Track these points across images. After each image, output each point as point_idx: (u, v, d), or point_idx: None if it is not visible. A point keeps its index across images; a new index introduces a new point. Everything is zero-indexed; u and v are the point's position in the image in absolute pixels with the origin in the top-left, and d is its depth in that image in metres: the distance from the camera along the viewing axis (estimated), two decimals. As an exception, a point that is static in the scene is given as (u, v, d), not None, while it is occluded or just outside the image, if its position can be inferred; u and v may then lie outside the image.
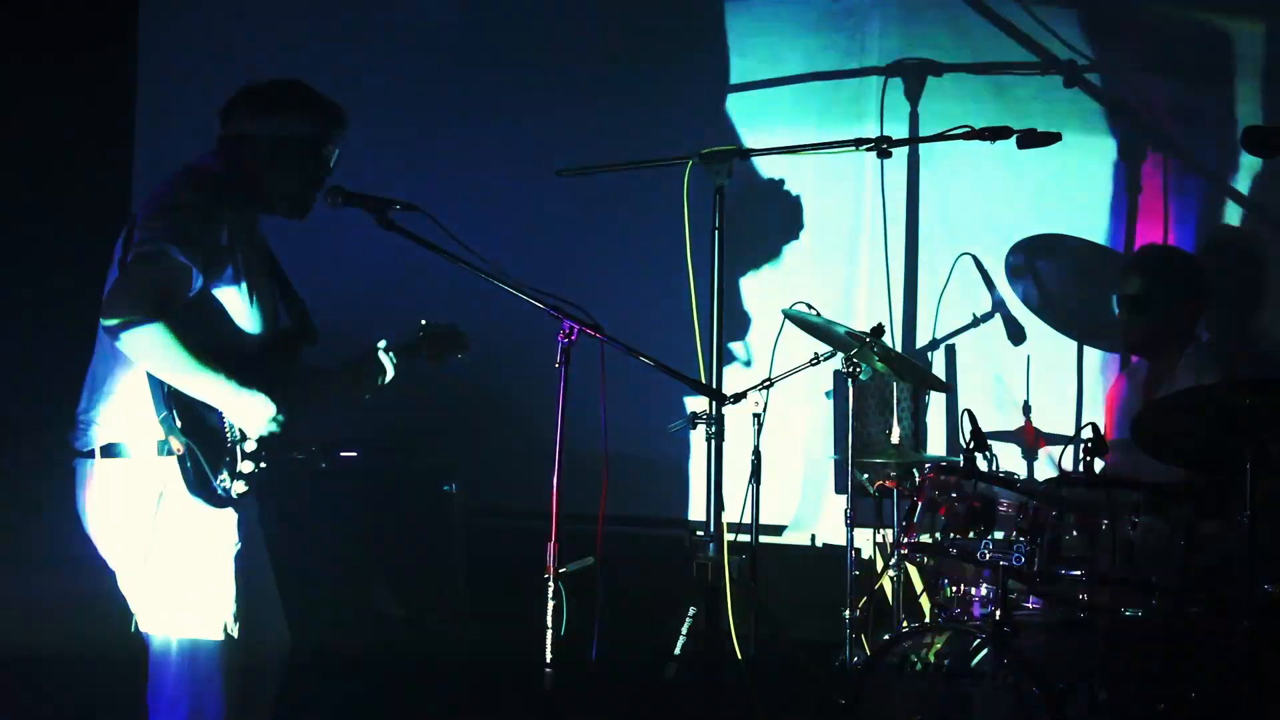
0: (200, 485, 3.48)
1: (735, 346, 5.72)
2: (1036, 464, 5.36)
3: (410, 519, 5.45)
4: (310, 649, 3.97)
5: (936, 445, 5.70)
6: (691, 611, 4.36)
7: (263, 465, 3.60)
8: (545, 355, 3.59)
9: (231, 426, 3.54)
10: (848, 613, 4.73)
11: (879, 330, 4.59)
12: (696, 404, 4.48)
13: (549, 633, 3.52)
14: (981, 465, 4.09)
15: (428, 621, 5.31)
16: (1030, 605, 4.20)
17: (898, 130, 5.63)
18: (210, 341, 3.48)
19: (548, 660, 3.53)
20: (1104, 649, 3.88)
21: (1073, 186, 5.58)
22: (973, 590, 4.26)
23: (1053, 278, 5.63)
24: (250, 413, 3.52)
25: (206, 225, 3.48)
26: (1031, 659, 3.81)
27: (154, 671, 3.57)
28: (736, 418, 4.57)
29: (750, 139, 5.87)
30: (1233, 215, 5.46)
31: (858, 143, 4.53)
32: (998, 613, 3.87)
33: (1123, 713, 3.86)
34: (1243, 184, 5.42)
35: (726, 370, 5.56)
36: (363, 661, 4.91)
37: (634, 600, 4.70)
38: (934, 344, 5.71)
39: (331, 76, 3.86)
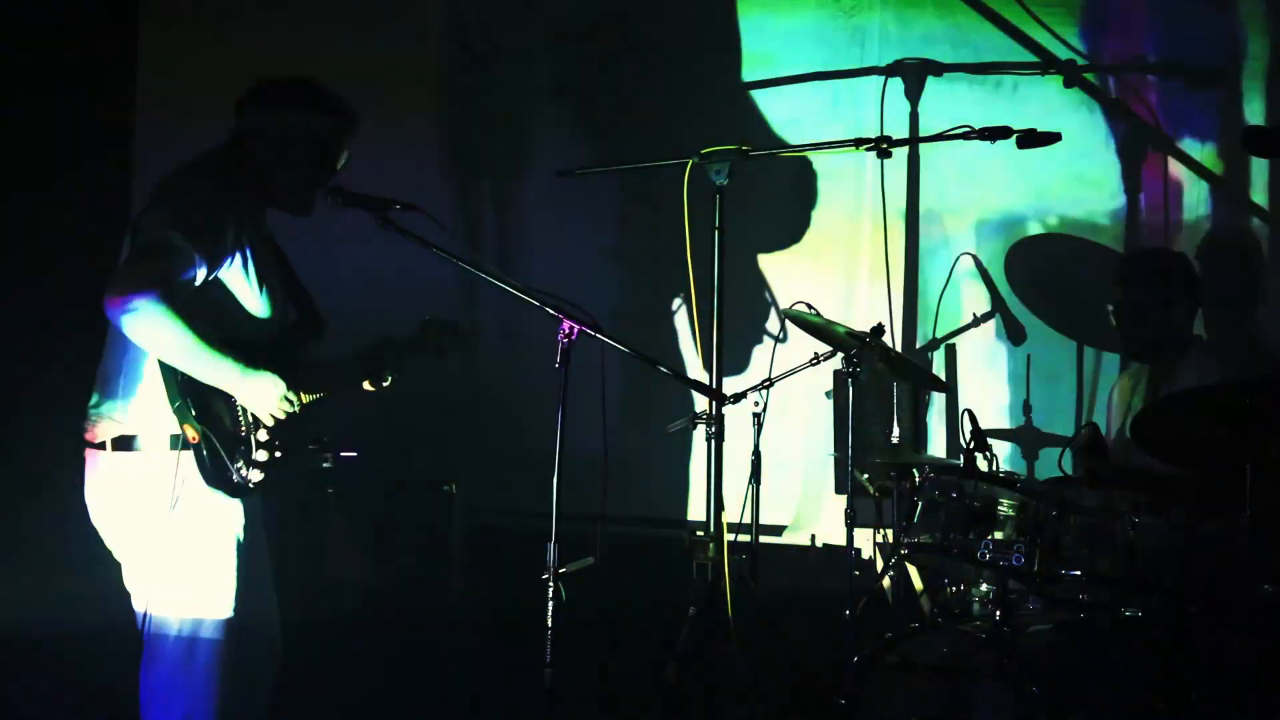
0: (218, 474, 3.49)
1: (770, 325, 5.68)
2: (1037, 464, 5.36)
3: (410, 519, 5.45)
4: (307, 650, 3.97)
5: (936, 445, 5.70)
6: (691, 611, 4.35)
7: (278, 454, 3.60)
8: (545, 355, 3.59)
9: (244, 414, 3.55)
10: (848, 613, 4.73)
11: (879, 330, 4.58)
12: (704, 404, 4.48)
13: (549, 632, 3.52)
14: (982, 465, 4.09)
15: (427, 621, 5.31)
16: (1030, 605, 4.21)
17: (898, 130, 5.63)
18: (220, 331, 3.49)
19: (548, 660, 3.53)
20: (1104, 649, 3.88)
21: (1073, 186, 5.58)
22: (973, 590, 4.26)
23: (1053, 278, 5.63)
24: (261, 393, 3.52)
25: (211, 214, 3.49)
26: (1031, 659, 3.81)
27: (150, 664, 3.57)
28: (736, 418, 4.57)
29: (750, 139, 5.85)
30: (1232, 216, 5.45)
31: (858, 143, 4.53)
32: (998, 613, 3.87)
33: (1123, 713, 3.86)
34: (1243, 184, 5.41)
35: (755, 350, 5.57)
36: (362, 662, 4.91)
37: (634, 600, 4.70)
38: (934, 344, 5.71)
39: (331, 76, 3.86)
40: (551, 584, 3.53)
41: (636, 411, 4.55)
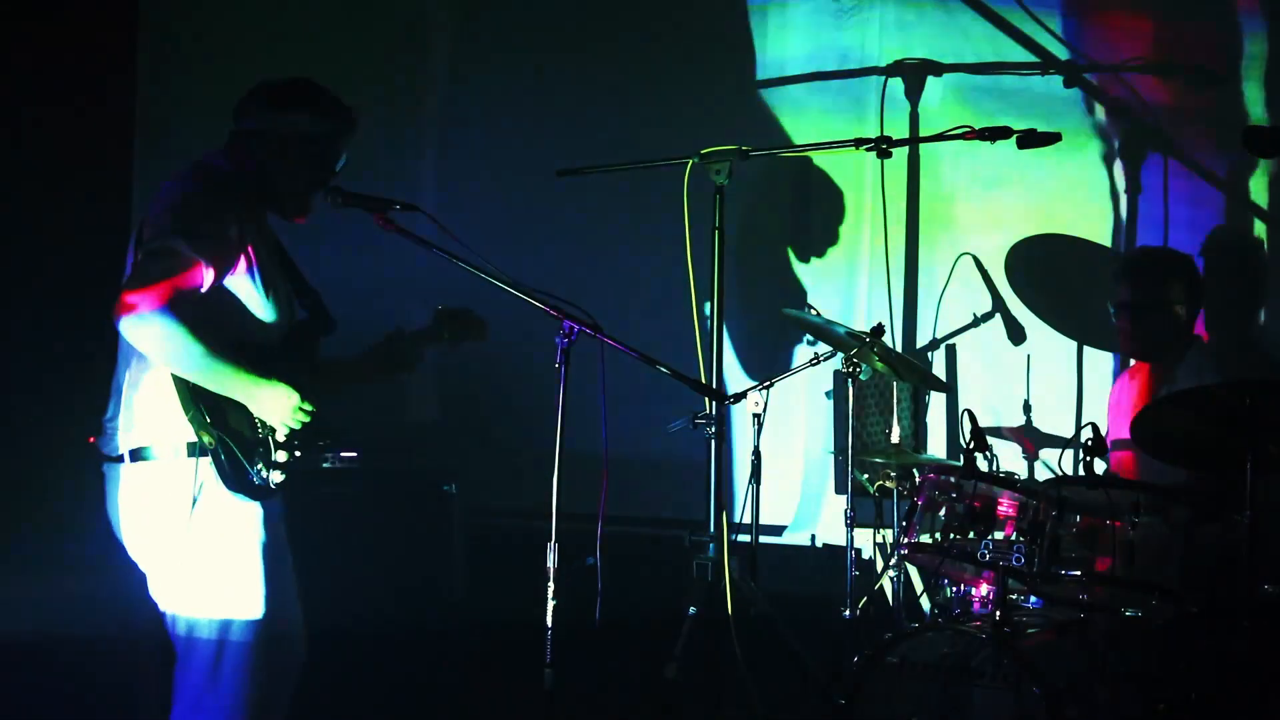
0: (238, 479, 3.50)
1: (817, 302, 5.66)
2: (1037, 464, 5.36)
3: (410, 519, 5.44)
4: (309, 650, 3.97)
5: (936, 445, 5.70)
6: (691, 611, 4.35)
7: (298, 454, 3.61)
8: (545, 355, 3.59)
9: (261, 420, 3.55)
10: (848, 613, 4.73)
11: (879, 330, 4.59)
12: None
13: (549, 632, 3.52)
14: (982, 465, 4.09)
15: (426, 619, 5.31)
16: (1030, 605, 4.21)
17: (898, 130, 5.63)
18: (229, 335, 3.50)
19: (548, 660, 3.53)
20: (1104, 649, 3.88)
21: (1073, 186, 5.58)
22: (973, 590, 4.26)
23: (1053, 278, 5.63)
24: (273, 404, 3.53)
25: (212, 220, 3.49)
26: (1031, 659, 3.81)
27: (184, 670, 3.58)
28: (737, 418, 4.57)
29: (751, 139, 5.86)
30: (1233, 216, 5.45)
31: (858, 143, 4.53)
32: (998, 613, 3.87)
33: (1123, 713, 3.86)
34: (1243, 184, 5.41)
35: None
36: (361, 662, 4.91)
37: (634, 600, 4.69)
38: (934, 344, 5.71)
39: (331, 76, 3.86)
40: (551, 584, 3.53)
41: (637, 411, 4.54)
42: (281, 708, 3.75)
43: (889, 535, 5.13)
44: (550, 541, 3.54)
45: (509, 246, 4.37)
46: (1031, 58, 5.62)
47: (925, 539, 4.14)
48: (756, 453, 4.68)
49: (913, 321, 5.76)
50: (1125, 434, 4.25)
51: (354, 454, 5.37)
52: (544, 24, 6.28)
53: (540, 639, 3.53)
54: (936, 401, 5.74)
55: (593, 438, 3.64)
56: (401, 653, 5.08)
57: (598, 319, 3.62)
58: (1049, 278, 5.63)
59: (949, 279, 5.68)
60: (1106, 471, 4.70)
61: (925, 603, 4.91)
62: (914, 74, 5.71)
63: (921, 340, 5.74)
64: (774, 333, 5.88)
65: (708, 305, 4.45)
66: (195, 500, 3.51)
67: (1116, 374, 5.41)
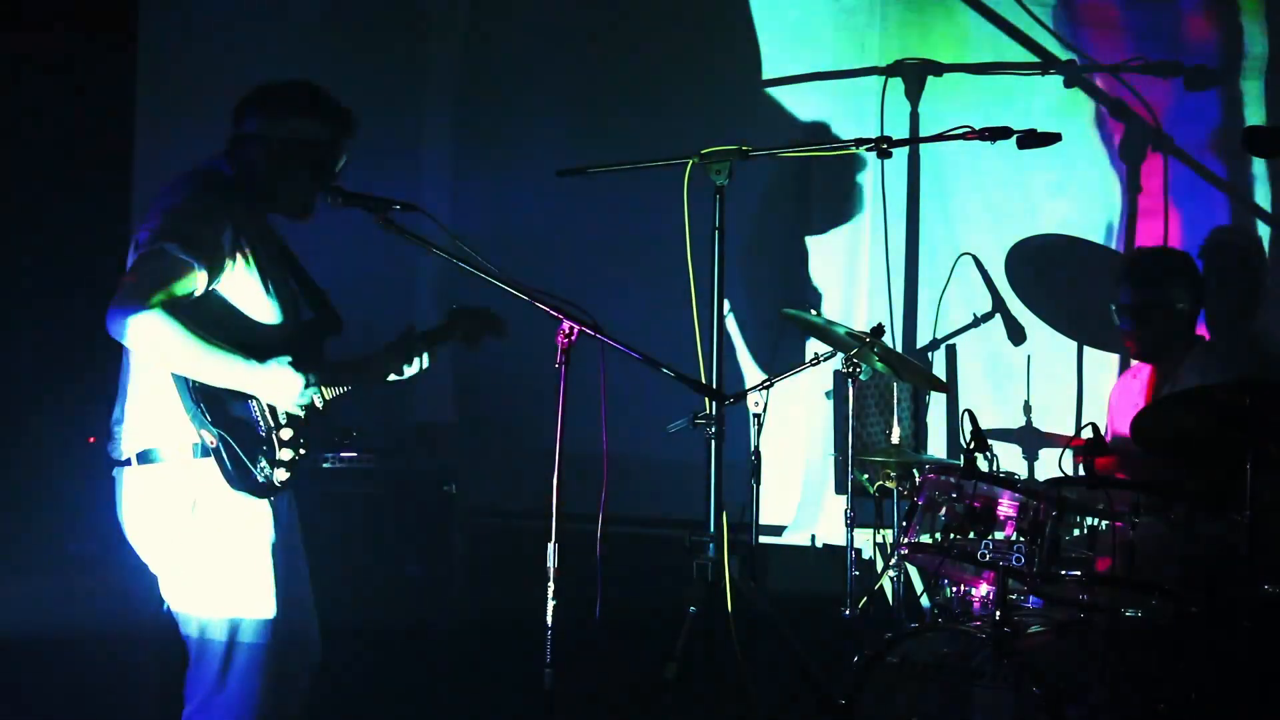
0: (241, 477, 3.49)
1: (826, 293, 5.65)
2: (1037, 464, 5.37)
3: (410, 519, 5.45)
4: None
5: (936, 445, 5.70)
6: (691, 611, 4.35)
7: (302, 451, 3.60)
8: (545, 355, 3.59)
9: (264, 415, 3.55)
10: (848, 613, 4.73)
11: (879, 330, 4.59)
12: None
13: (549, 632, 3.52)
14: (982, 465, 4.09)
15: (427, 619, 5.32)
16: (1030, 605, 4.21)
17: (898, 130, 5.63)
18: (232, 338, 3.50)
19: (548, 660, 3.53)
20: (1104, 649, 3.88)
21: (1073, 186, 5.58)
22: (973, 590, 4.26)
23: (1053, 278, 5.63)
24: (278, 384, 3.52)
25: (205, 223, 3.49)
26: (1031, 659, 3.81)
27: (196, 669, 3.58)
28: (737, 418, 4.57)
29: (751, 139, 5.86)
30: (1233, 216, 5.45)
31: (858, 143, 4.53)
32: (998, 613, 3.87)
33: (1123, 713, 3.85)
34: (1243, 184, 5.41)
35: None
36: (361, 662, 4.91)
37: (634, 600, 4.69)
38: (934, 344, 5.71)
39: (331, 77, 3.86)
40: (551, 584, 3.53)
41: (637, 411, 4.54)
42: (294, 709, 3.75)
43: (889, 535, 5.13)
44: (550, 541, 3.53)
45: (509, 246, 4.37)
46: (1031, 58, 5.62)
47: (925, 539, 4.14)
48: (756, 453, 4.68)
49: (913, 321, 5.76)
50: (1125, 434, 4.25)
51: (354, 454, 5.39)
52: (544, 24, 6.28)
53: (540, 639, 3.53)
54: (936, 401, 5.74)
55: (593, 438, 3.64)
56: (401, 652, 5.09)
57: (598, 319, 3.62)
58: (1049, 278, 5.63)
59: (949, 279, 5.69)
60: (1106, 471, 4.70)
61: (925, 603, 4.91)
62: (914, 74, 5.72)
63: (921, 340, 5.74)
64: (774, 333, 5.88)
65: (708, 305, 4.45)
66: (202, 501, 3.51)
67: (1117, 374, 5.41)
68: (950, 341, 5.70)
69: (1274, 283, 5.38)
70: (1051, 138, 4.40)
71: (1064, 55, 5.59)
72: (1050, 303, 5.60)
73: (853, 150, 4.54)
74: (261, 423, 3.56)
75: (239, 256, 3.54)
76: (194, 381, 3.45)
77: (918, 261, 5.76)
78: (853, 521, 4.85)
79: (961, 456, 4.13)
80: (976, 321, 5.64)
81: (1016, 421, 5.38)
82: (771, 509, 5.37)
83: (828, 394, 5.74)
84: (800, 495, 5.87)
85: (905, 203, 5.77)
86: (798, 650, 4.46)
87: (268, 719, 3.58)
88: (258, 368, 3.50)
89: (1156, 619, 3.93)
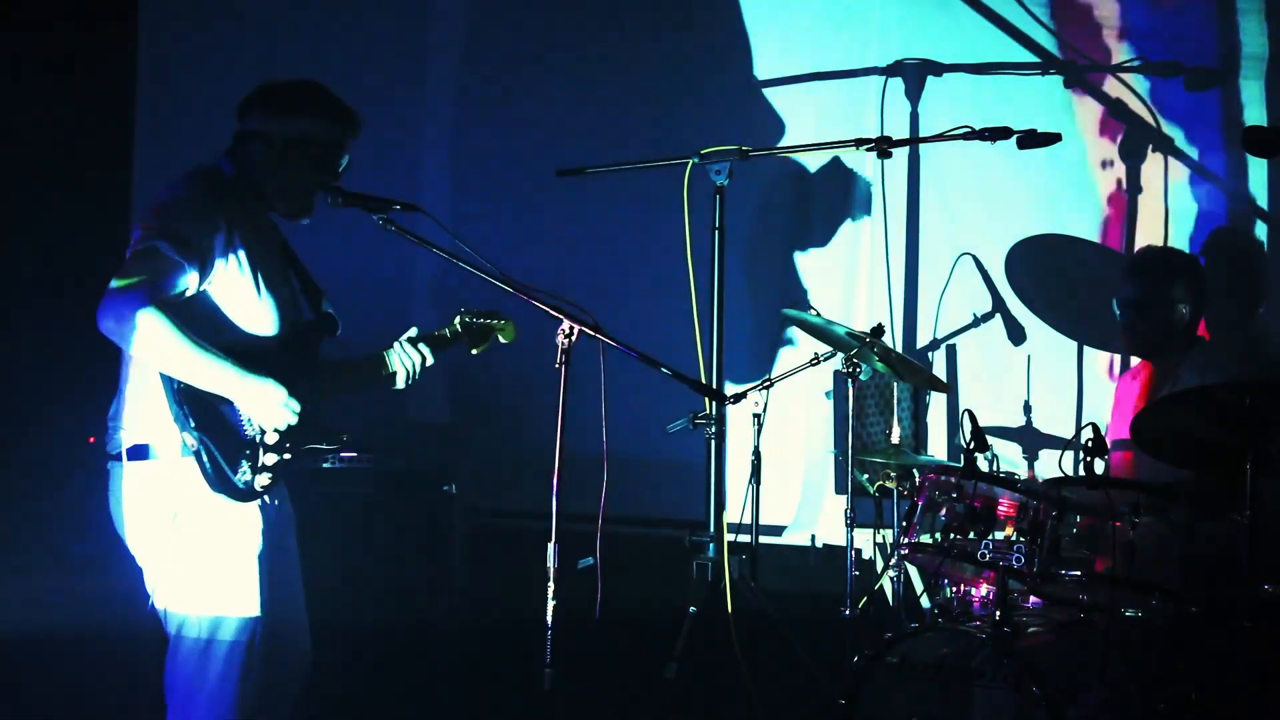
0: (220, 481, 3.50)
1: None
2: (1037, 464, 5.37)
3: (410, 519, 5.44)
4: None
5: (937, 445, 5.70)
6: (692, 611, 4.35)
7: (286, 457, 3.60)
8: (545, 355, 3.59)
9: (250, 420, 3.55)
10: (848, 613, 4.73)
11: (879, 330, 4.59)
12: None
13: (549, 632, 3.52)
14: (982, 465, 4.09)
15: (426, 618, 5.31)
16: (1030, 605, 4.21)
17: (898, 130, 5.63)
18: (224, 337, 3.50)
19: (548, 660, 3.52)
20: (1104, 649, 3.88)
21: (1073, 186, 5.58)
22: (973, 590, 4.26)
23: (1053, 278, 5.63)
24: (260, 399, 3.52)
25: (198, 223, 3.49)
26: (1031, 659, 3.81)
27: (173, 665, 3.59)
28: (737, 418, 4.57)
29: (751, 139, 5.86)
30: (1233, 216, 5.45)
31: (858, 143, 4.54)
32: (998, 613, 3.87)
33: (1123, 713, 3.86)
34: (1243, 184, 5.41)
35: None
36: (361, 662, 4.91)
37: (634, 600, 4.70)
38: (934, 344, 5.71)
39: (331, 76, 3.86)
40: (551, 584, 3.53)
41: (637, 411, 4.54)
42: (283, 707, 3.75)
43: (889, 535, 5.13)
44: (550, 541, 3.53)
45: (509, 246, 4.40)
46: (1031, 58, 5.62)
47: (925, 539, 4.14)
48: (756, 453, 4.69)
49: (913, 321, 5.76)
50: (1126, 434, 4.25)
51: (354, 454, 5.39)
52: (545, 25, 6.28)
53: (540, 639, 3.53)
54: (936, 401, 5.74)
55: (593, 438, 3.64)
56: (402, 652, 5.08)
57: (598, 319, 3.62)
58: (1049, 278, 5.63)
59: (949, 279, 5.68)
60: (1106, 471, 4.69)
61: (925, 603, 4.91)
62: (914, 74, 5.72)
63: (921, 340, 5.74)
64: (774, 333, 5.88)
65: (708, 305, 4.44)
66: (189, 499, 3.51)
67: (1117, 374, 5.40)
68: (950, 341, 5.69)
69: (1274, 283, 5.38)
70: (1051, 138, 4.40)
71: (1064, 55, 5.58)
72: (1050, 303, 5.60)
73: (853, 150, 4.54)
74: (247, 427, 3.56)
75: (231, 256, 3.54)
76: (179, 383, 3.45)
77: (918, 261, 5.75)
78: (853, 521, 4.85)
79: (961, 456, 4.13)
80: (976, 321, 5.64)
81: (1016, 421, 5.38)
82: (771, 509, 5.36)
83: (828, 394, 5.74)
84: (800, 495, 5.87)
85: (905, 203, 5.76)
86: (798, 650, 4.46)
87: (254, 717, 3.58)
88: (244, 379, 3.49)
89: (1156, 619, 3.93)
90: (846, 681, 4.02)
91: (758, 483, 4.71)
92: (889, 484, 4.97)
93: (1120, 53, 5.58)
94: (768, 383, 4.69)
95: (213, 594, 3.56)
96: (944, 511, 4.07)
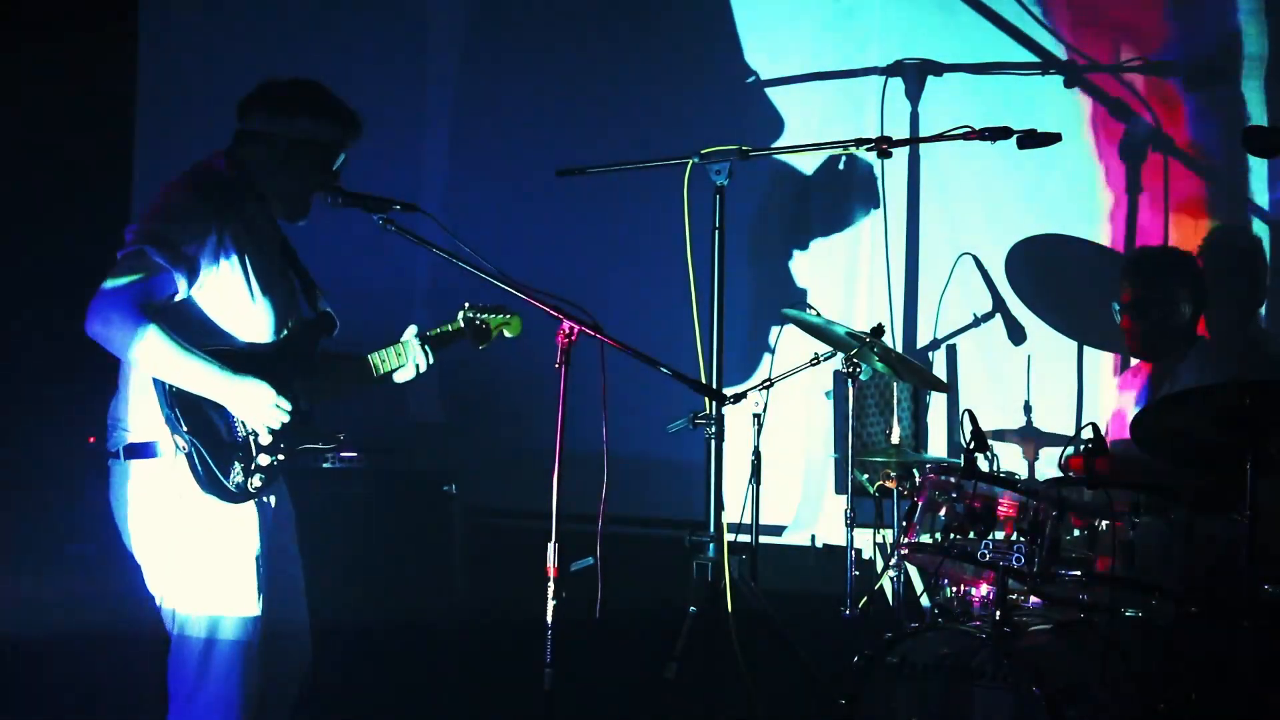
0: (211, 483, 3.51)
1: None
2: (1037, 464, 5.36)
3: (410, 519, 5.45)
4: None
5: (936, 445, 5.70)
6: (692, 611, 4.35)
7: (280, 457, 3.60)
8: (545, 355, 3.59)
9: (243, 421, 3.55)
10: (848, 613, 4.73)
11: (879, 330, 4.59)
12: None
13: (549, 632, 3.52)
14: (982, 465, 4.09)
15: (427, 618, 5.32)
16: (1030, 605, 4.21)
17: (898, 130, 5.63)
18: (215, 341, 3.51)
19: (548, 660, 3.53)
20: (1104, 649, 3.88)
21: (1073, 186, 5.58)
22: (973, 590, 4.26)
23: (1053, 278, 5.63)
24: (249, 400, 3.52)
25: (188, 228, 3.50)
26: (1031, 659, 3.81)
27: (174, 665, 3.60)
28: (737, 418, 4.57)
29: (751, 139, 5.86)
30: (1233, 216, 5.45)
31: (858, 143, 4.53)
32: (998, 613, 3.87)
33: (1123, 713, 3.85)
34: (1243, 184, 5.41)
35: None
36: (361, 662, 4.91)
37: (634, 600, 4.70)
38: (934, 344, 5.71)
39: (331, 76, 3.86)
40: (551, 584, 3.53)
41: (637, 411, 4.54)
42: (283, 707, 3.75)
43: (889, 535, 5.13)
44: (550, 541, 3.53)
45: (509, 246, 4.38)
46: (1031, 58, 5.62)
47: (925, 539, 4.14)
48: (756, 453, 4.68)
49: (913, 321, 5.76)
50: (1126, 434, 4.25)
51: (354, 454, 5.39)
52: (545, 25, 6.28)
53: (540, 639, 3.53)
54: (936, 401, 5.74)
55: (593, 438, 3.64)
56: (402, 652, 5.08)
57: (598, 319, 3.62)
58: (1049, 278, 5.62)
59: (949, 279, 5.68)
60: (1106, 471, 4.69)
61: (925, 603, 4.91)
62: (914, 74, 5.71)
63: (921, 340, 5.74)
64: (774, 333, 5.88)
65: (708, 305, 4.44)
66: (186, 498, 3.52)
67: (1118, 374, 5.40)
68: (950, 341, 5.69)
69: (1274, 283, 5.38)
70: (1051, 138, 4.39)
71: (1064, 55, 5.58)
72: (1050, 303, 5.59)
73: (853, 150, 4.54)
74: (239, 429, 3.56)
75: (224, 260, 3.54)
76: (170, 386, 3.46)
77: (918, 261, 5.75)
78: (853, 521, 4.85)
79: (961, 456, 4.13)
80: (976, 321, 5.64)
81: (1016, 421, 5.38)
82: (771, 509, 5.36)
83: (828, 394, 5.74)
84: (800, 495, 5.87)
85: (905, 203, 5.76)
86: (798, 650, 4.46)
87: (255, 716, 3.58)
88: (232, 382, 3.50)
89: (1156, 619, 3.93)
90: (846, 681, 4.01)
91: (758, 483, 4.71)
92: (889, 484, 4.97)
93: (1120, 53, 5.58)
94: (768, 383, 4.69)
95: (212, 594, 3.57)
96: (944, 511, 4.07)
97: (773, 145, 5.76)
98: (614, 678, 4.68)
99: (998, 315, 5.62)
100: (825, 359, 4.69)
